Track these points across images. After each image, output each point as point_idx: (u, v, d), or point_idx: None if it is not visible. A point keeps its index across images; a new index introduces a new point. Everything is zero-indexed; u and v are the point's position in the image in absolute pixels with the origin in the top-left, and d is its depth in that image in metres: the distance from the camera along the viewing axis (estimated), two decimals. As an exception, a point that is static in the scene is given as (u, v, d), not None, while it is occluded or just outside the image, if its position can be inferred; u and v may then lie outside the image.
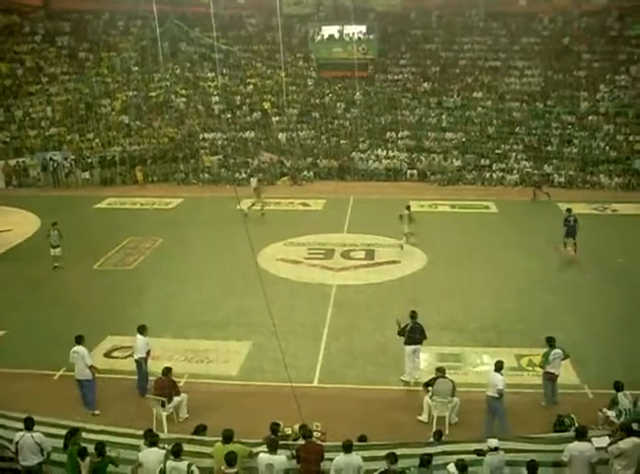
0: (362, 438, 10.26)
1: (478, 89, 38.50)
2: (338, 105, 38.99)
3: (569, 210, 22.66)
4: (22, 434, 9.91)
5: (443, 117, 37.20)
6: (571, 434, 10.02)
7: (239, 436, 9.81)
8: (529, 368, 14.46)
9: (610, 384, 11.70)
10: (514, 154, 34.81)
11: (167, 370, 12.82)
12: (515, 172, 33.77)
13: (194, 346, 15.87)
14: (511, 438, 10.13)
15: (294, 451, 9.67)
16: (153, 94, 39.45)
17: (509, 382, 12.45)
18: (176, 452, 9.28)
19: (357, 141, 36.71)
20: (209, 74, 40.66)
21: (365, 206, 29.14)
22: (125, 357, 14.84)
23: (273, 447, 9.52)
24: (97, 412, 13.07)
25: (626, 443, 9.36)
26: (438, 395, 12.36)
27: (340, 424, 11.66)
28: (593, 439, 9.65)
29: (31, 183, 34.67)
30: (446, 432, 11.74)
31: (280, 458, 9.47)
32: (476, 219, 27.50)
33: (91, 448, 9.56)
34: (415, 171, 34.76)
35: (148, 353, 13.75)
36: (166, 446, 9.53)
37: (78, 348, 13.11)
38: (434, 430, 11.34)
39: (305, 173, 34.96)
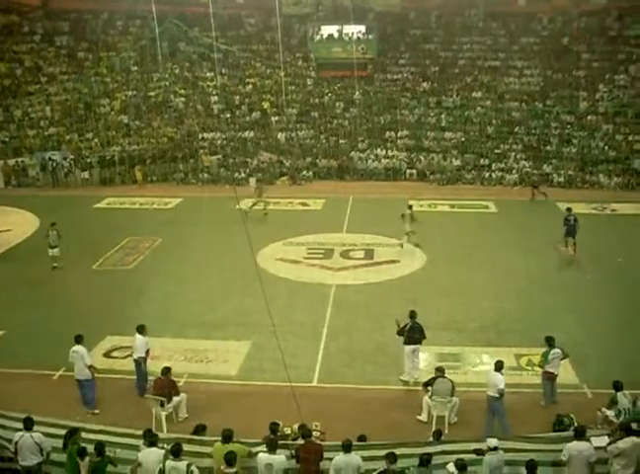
0: (362, 438, 10.26)
1: (477, 89, 38.52)
2: (337, 104, 38.99)
3: (569, 210, 22.69)
4: (21, 433, 9.91)
5: (443, 116, 37.20)
6: (570, 433, 10.02)
7: (238, 436, 9.81)
8: (529, 368, 14.47)
9: (610, 384, 11.72)
10: (513, 154, 34.81)
11: (166, 370, 12.81)
12: (514, 172, 33.78)
13: (193, 345, 15.87)
14: (510, 438, 10.14)
15: (294, 451, 9.67)
16: (152, 94, 39.43)
17: (508, 382, 12.44)
18: (175, 452, 9.28)
19: (356, 141, 36.70)
20: (208, 74, 40.65)
21: (365, 206, 29.13)
22: (125, 357, 14.82)
23: (272, 447, 9.51)
24: (97, 411, 13.08)
25: (625, 443, 9.37)
26: (437, 395, 12.36)
27: (339, 423, 11.67)
28: (592, 439, 9.66)
29: (30, 182, 34.63)
30: (446, 431, 11.76)
31: (280, 458, 9.47)
32: (475, 219, 27.51)
33: (90, 448, 9.56)
34: (414, 170, 34.76)
35: (147, 352, 13.74)
36: (165, 446, 9.53)
37: (77, 347, 13.12)
38: (433, 429, 11.36)
39: (304, 173, 34.96)
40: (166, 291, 19.44)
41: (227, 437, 9.57)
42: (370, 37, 40.32)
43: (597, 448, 9.51)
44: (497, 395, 11.89)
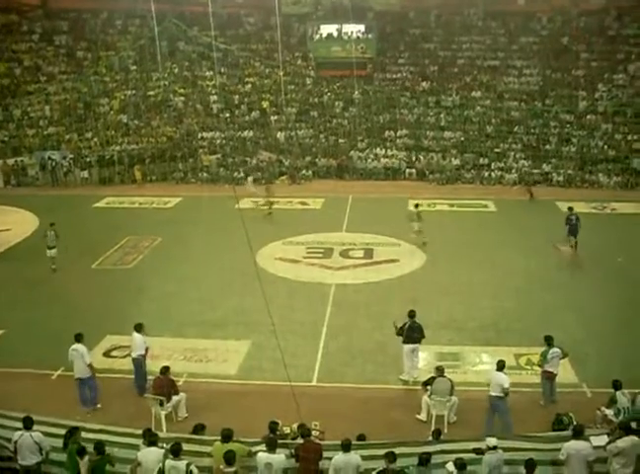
0: (361, 437, 10.28)
1: (477, 88, 38.51)
2: (336, 104, 38.97)
3: (570, 209, 22.71)
4: (20, 433, 9.91)
5: (442, 116, 37.20)
6: (569, 432, 10.03)
7: (238, 436, 9.81)
8: (528, 367, 14.48)
9: (609, 383, 11.74)
10: (512, 153, 34.81)
11: (165, 369, 12.80)
12: (513, 171, 33.79)
13: (193, 345, 15.87)
14: (509, 437, 10.15)
15: (293, 450, 9.68)
16: (151, 93, 39.40)
17: (507, 381, 12.47)
18: (175, 451, 9.28)
19: (355, 140, 36.68)
20: (208, 73, 40.62)
21: (364, 205, 29.13)
22: (124, 357, 14.80)
23: (271, 446, 9.52)
24: (99, 405, 13.16)
25: (625, 442, 9.37)
26: (436, 394, 12.37)
27: (339, 423, 11.67)
28: (591, 438, 9.67)
29: (29, 182, 34.62)
30: (445, 430, 11.78)
31: (279, 457, 9.47)
32: (475, 218, 27.52)
33: (90, 448, 9.57)
34: (414, 170, 34.75)
35: (146, 350, 13.75)
36: (165, 446, 9.54)
37: (77, 346, 13.13)
38: (432, 428, 11.38)
39: (304, 172, 34.94)
40: (165, 291, 19.44)
41: (227, 437, 9.57)
42: (370, 36, 40.31)
43: (596, 447, 9.52)
44: (501, 395, 11.88)
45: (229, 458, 9.23)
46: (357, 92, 38.65)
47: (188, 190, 32.75)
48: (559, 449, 9.52)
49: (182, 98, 39.27)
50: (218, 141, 36.83)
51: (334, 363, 15.02)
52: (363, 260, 22.27)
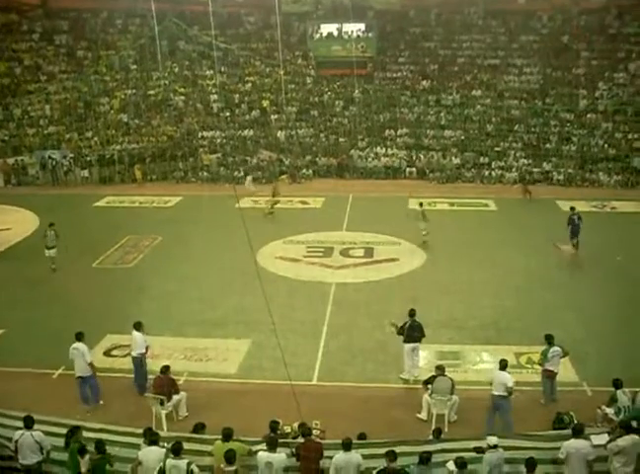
0: (362, 436, 10.27)
1: (477, 87, 38.49)
2: (337, 103, 38.96)
3: (572, 209, 22.68)
4: (21, 432, 9.92)
5: (442, 114, 37.20)
6: (569, 431, 10.02)
7: (238, 435, 9.82)
8: (528, 366, 14.47)
9: (609, 382, 11.72)
10: (512, 152, 34.81)
11: (165, 368, 12.80)
12: (514, 170, 33.78)
13: (193, 344, 15.86)
14: (510, 436, 10.15)
15: (294, 449, 9.68)
16: (152, 92, 39.40)
17: (508, 380, 12.47)
18: (176, 451, 9.29)
19: (355, 139, 36.69)
20: (208, 72, 40.62)
21: (364, 204, 29.13)
22: (125, 356, 14.79)
23: (272, 445, 9.52)
24: (101, 402, 13.20)
25: (625, 441, 9.37)
26: (437, 393, 12.36)
27: (339, 422, 11.69)
28: (592, 437, 9.67)
29: (29, 181, 34.64)
30: (446, 429, 11.78)
31: (280, 456, 9.48)
32: (475, 217, 27.52)
33: (91, 447, 9.57)
34: (414, 169, 34.75)
35: (147, 349, 13.76)
36: (166, 445, 9.54)
37: (78, 344, 13.14)
38: (433, 427, 11.39)
39: (304, 171, 34.95)
40: (166, 290, 19.44)
41: (227, 436, 9.59)
42: (370, 35, 40.30)
43: (596, 446, 9.52)
44: (505, 394, 11.87)
45: (230, 457, 9.23)
46: (357, 91, 38.65)
47: (188, 189, 32.76)
48: (560, 448, 9.52)
49: (182, 97, 39.27)
50: (219, 140, 36.84)
51: (334, 362, 15.02)
52: (364, 259, 22.27)
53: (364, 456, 9.49)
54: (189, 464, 9.19)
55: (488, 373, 13.20)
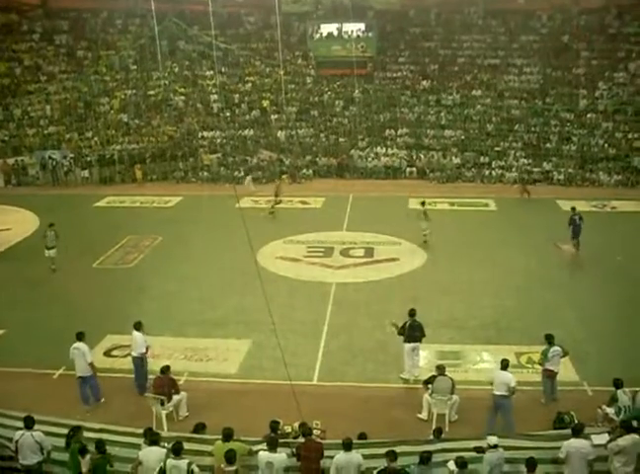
0: (362, 436, 10.28)
1: (477, 87, 38.48)
2: (337, 103, 38.95)
3: (573, 209, 22.66)
4: (22, 432, 9.92)
5: (442, 114, 37.19)
6: (569, 431, 10.02)
7: (239, 435, 9.82)
8: (529, 366, 14.47)
9: (610, 381, 11.71)
10: (513, 152, 34.80)
11: (166, 368, 12.81)
12: (514, 169, 33.77)
13: (193, 344, 15.87)
14: (510, 436, 10.16)
15: (294, 449, 9.69)
16: (152, 92, 39.39)
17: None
18: (176, 451, 9.29)
19: (356, 139, 36.68)
20: (208, 72, 40.61)
21: (365, 204, 29.13)
22: (125, 356, 14.79)
23: (272, 445, 9.53)
24: (102, 400, 13.24)
25: (625, 440, 9.37)
26: (437, 393, 12.36)
27: (339, 421, 11.69)
28: (592, 437, 9.68)
29: (30, 181, 34.64)
30: (446, 429, 11.76)
31: (280, 456, 9.48)
32: (475, 217, 27.52)
33: (91, 447, 9.57)
34: (414, 169, 34.75)
35: (147, 349, 13.76)
36: (166, 445, 9.54)
37: (79, 344, 13.15)
38: (433, 427, 11.38)
39: (304, 171, 34.94)
40: (166, 290, 19.44)
41: (228, 436, 9.59)
42: (370, 35, 40.27)
43: (597, 446, 9.52)
44: (506, 394, 11.87)
45: (230, 457, 9.24)
46: (357, 91, 38.64)
47: (188, 189, 32.75)
48: (560, 448, 9.52)
49: (182, 97, 39.25)
50: (219, 140, 36.84)
51: (334, 362, 15.02)
52: (364, 259, 22.27)
53: (365, 456, 9.49)
54: (189, 464, 9.20)
55: (488, 373, 13.21)
